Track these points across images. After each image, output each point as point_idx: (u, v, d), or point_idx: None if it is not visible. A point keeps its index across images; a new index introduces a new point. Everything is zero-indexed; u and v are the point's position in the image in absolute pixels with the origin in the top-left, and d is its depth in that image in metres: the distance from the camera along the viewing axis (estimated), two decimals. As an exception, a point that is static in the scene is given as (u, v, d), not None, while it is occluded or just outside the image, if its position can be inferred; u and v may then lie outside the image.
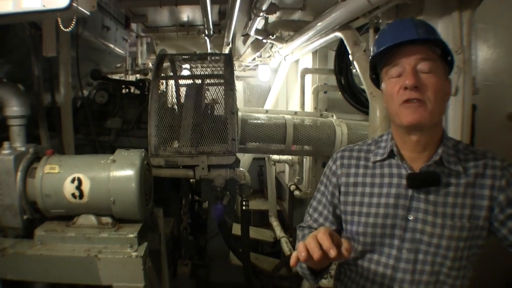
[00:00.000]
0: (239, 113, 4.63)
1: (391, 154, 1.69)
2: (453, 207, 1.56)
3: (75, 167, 2.53)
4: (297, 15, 5.10)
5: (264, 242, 6.72)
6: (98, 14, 4.75)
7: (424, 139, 1.60)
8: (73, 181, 2.47)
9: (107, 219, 2.56)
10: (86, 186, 2.47)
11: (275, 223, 7.04)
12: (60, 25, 2.11)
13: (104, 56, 5.44)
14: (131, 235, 2.43)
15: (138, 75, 6.78)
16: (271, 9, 4.06)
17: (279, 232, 6.60)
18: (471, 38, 2.58)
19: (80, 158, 2.76)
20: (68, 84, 3.45)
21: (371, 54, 1.74)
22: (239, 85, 9.81)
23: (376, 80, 1.78)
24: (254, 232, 6.52)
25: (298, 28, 4.77)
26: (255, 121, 4.58)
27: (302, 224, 1.99)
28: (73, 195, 2.47)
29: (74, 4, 1.99)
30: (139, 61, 7.22)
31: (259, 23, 4.82)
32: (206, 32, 5.28)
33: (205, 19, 4.61)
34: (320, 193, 1.91)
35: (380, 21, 3.26)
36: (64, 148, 3.47)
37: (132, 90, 4.81)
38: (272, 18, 5.29)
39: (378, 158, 1.72)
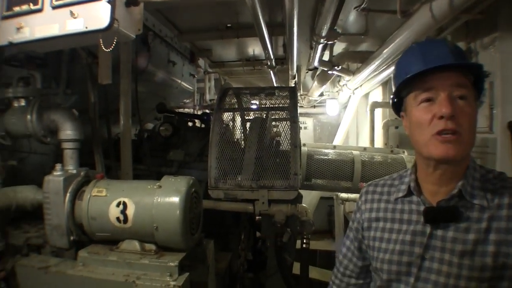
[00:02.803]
0: (305, 148, 4.50)
1: (410, 191, 1.59)
2: (475, 244, 1.38)
3: (121, 191, 2.49)
4: (364, 46, 4.97)
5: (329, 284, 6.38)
6: (163, 49, 4.88)
7: (450, 172, 1.47)
8: (118, 205, 2.43)
9: (150, 246, 2.46)
10: (130, 211, 2.41)
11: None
12: (102, 46, 2.11)
13: (171, 91, 5.56)
14: (172, 264, 2.31)
15: (206, 110, 6.85)
16: (332, 34, 3.92)
17: (344, 274, 6.25)
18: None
19: (128, 183, 2.74)
20: (128, 114, 3.49)
21: (395, 75, 1.62)
22: (309, 122, 9.71)
23: (398, 105, 1.63)
24: (319, 273, 6.24)
25: (364, 59, 4.62)
26: (321, 157, 4.45)
27: (332, 278, 1.93)
28: (118, 219, 2.42)
29: (115, 25, 2.02)
30: (207, 97, 7.34)
31: (322, 53, 4.71)
32: (268, 63, 5.23)
33: (265, 49, 4.56)
34: (349, 229, 1.87)
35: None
36: (122, 176, 3.48)
37: (199, 125, 4.84)
38: (338, 49, 5.20)
39: (400, 194, 1.62)
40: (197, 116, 4.93)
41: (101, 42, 2.09)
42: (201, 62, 6.63)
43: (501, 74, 2.98)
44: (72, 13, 2.05)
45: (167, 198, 2.39)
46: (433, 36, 3.26)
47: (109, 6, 2.00)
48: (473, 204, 1.42)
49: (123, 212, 2.41)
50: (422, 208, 1.51)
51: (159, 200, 2.39)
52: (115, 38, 2.10)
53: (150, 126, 5.02)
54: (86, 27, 2.05)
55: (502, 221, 1.36)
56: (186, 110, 6.55)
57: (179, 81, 5.61)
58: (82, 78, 3.38)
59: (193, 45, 5.57)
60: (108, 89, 3.46)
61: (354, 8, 3.62)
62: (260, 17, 3.33)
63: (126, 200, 2.43)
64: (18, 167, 3.20)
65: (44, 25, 2.15)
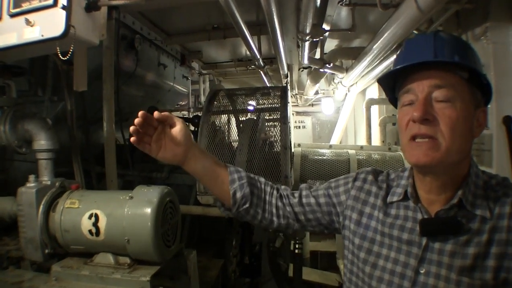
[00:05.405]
0: (299, 149, 4.42)
1: (406, 195, 1.43)
2: (475, 258, 1.22)
3: (94, 203, 2.40)
4: (357, 42, 4.86)
5: (329, 287, 6.22)
6: (153, 52, 4.82)
7: (440, 180, 1.31)
8: (90, 217, 2.33)
9: (125, 259, 2.37)
10: (102, 223, 2.31)
11: (342, 265, 6.54)
12: (60, 55, 2.03)
13: (164, 93, 5.50)
14: (144, 279, 2.20)
15: (198, 113, 6.80)
16: (316, 31, 3.78)
17: (345, 275, 6.11)
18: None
19: (102, 194, 2.62)
20: (112, 120, 3.39)
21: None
22: (308, 121, 9.58)
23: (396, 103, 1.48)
24: (318, 276, 6.12)
25: (357, 55, 4.51)
26: (316, 157, 4.39)
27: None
28: (90, 231, 2.32)
29: (71, 32, 1.93)
30: (202, 99, 7.27)
31: (313, 50, 4.62)
32: (256, 63, 5.13)
33: (249, 49, 4.46)
34: (325, 188, 1.66)
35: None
36: (107, 184, 3.39)
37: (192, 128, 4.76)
38: (331, 46, 5.09)
39: (395, 198, 1.46)
40: (188, 120, 4.83)
41: (58, 50, 2.01)
42: (195, 64, 6.58)
43: (494, 66, 2.83)
44: (28, 21, 1.97)
45: (138, 209, 2.27)
46: (424, 28, 3.16)
47: (64, 13, 1.92)
48: (475, 215, 1.29)
49: (95, 224, 2.31)
50: (418, 216, 1.37)
51: (129, 212, 2.28)
52: (72, 45, 2.02)
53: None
54: (43, 35, 1.97)
55: (503, 232, 1.23)
56: (183, 112, 6.48)
57: (171, 83, 5.57)
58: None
59: (183, 47, 5.51)
60: (88, 95, 3.40)
61: (338, 2, 3.51)
62: (237, 16, 3.23)
63: (98, 212, 2.33)
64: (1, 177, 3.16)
65: (3, 34, 2.08)
